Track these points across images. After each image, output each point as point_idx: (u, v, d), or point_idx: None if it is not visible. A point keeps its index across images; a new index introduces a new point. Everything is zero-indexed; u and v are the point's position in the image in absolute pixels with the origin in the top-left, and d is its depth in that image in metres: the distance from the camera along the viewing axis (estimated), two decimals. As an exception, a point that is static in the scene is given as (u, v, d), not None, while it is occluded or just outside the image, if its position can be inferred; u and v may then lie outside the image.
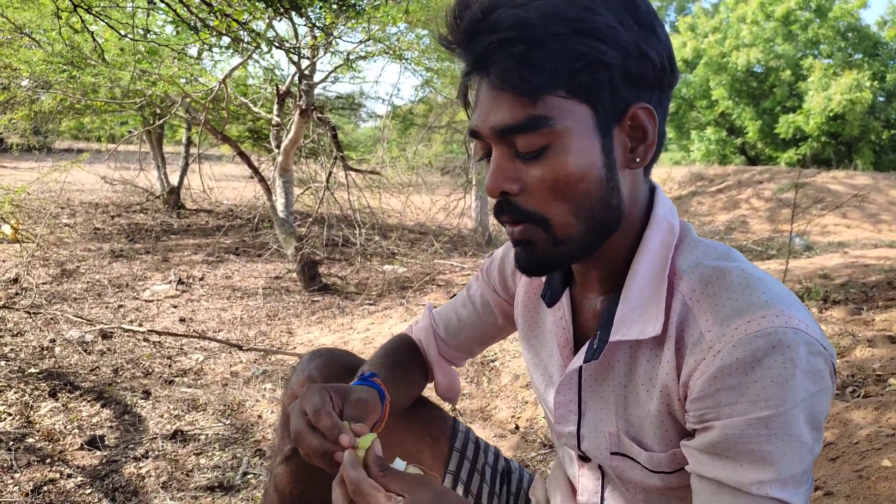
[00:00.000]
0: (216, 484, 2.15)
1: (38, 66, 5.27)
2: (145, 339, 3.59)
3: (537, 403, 2.69)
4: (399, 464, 0.80)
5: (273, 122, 5.57)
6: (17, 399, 2.64)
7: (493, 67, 0.75)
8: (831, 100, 15.52)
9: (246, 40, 4.35)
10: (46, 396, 2.70)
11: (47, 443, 2.33)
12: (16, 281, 4.61)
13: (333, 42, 5.25)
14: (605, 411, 0.90)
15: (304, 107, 4.96)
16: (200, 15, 3.58)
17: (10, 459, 2.17)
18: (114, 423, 2.55)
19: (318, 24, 4.71)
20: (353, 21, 4.80)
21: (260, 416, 2.70)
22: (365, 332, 3.80)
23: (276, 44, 4.79)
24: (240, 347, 3.55)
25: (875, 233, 9.57)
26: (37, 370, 2.97)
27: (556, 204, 0.77)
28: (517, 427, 2.60)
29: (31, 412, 2.55)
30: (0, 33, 4.96)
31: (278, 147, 5.49)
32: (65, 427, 2.46)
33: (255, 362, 3.36)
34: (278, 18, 4.60)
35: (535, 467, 2.27)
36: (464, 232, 8.74)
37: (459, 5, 0.77)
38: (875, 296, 3.68)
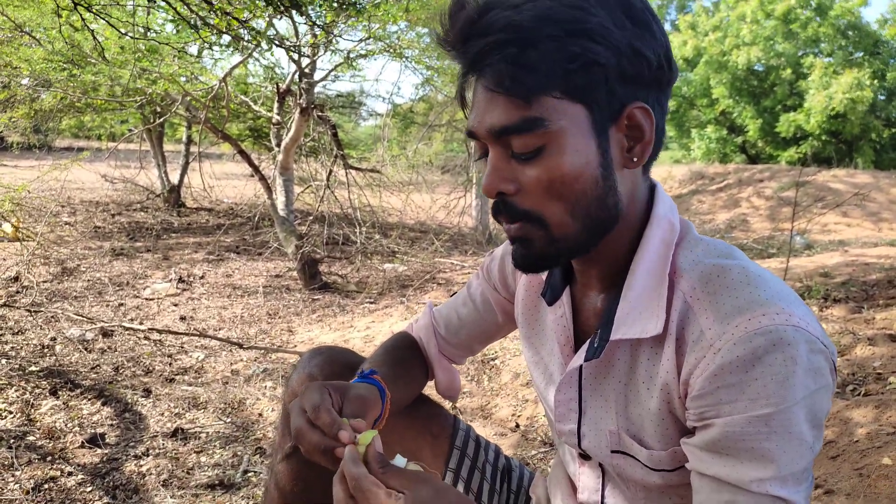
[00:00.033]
0: (217, 482, 2.15)
1: (39, 65, 5.27)
2: (146, 338, 3.60)
3: (538, 402, 2.69)
4: (399, 461, 0.80)
5: (273, 121, 5.57)
6: (18, 397, 2.64)
7: (486, 70, 0.76)
8: (832, 99, 15.50)
9: (246, 38, 4.35)
10: (47, 394, 2.70)
11: (48, 441, 2.33)
12: (16, 279, 4.61)
13: (334, 40, 5.25)
14: (605, 409, 0.90)
15: (304, 105, 4.96)
16: (201, 13, 3.58)
17: (11, 457, 2.17)
18: (114, 421, 2.55)
19: (318, 22, 4.71)
20: (354, 19, 4.80)
21: (260, 414, 2.70)
22: (365, 331, 3.80)
23: (277, 42, 4.79)
24: (240, 346, 3.55)
25: (876, 231, 9.56)
26: (37, 368, 2.97)
27: (552, 203, 0.77)
28: (517, 425, 2.60)
29: (32, 410, 2.55)
30: (0, 31, 4.96)
31: (279, 145, 5.49)
32: (65, 425, 2.46)
33: (255, 360, 3.36)
34: (279, 16, 4.59)
35: (535, 465, 2.27)
36: (464, 230, 8.74)
37: (453, 7, 0.77)
38: (875, 294, 3.68)
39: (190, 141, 8.83)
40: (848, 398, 2.26)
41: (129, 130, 8.58)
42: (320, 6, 4.43)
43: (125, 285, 4.80)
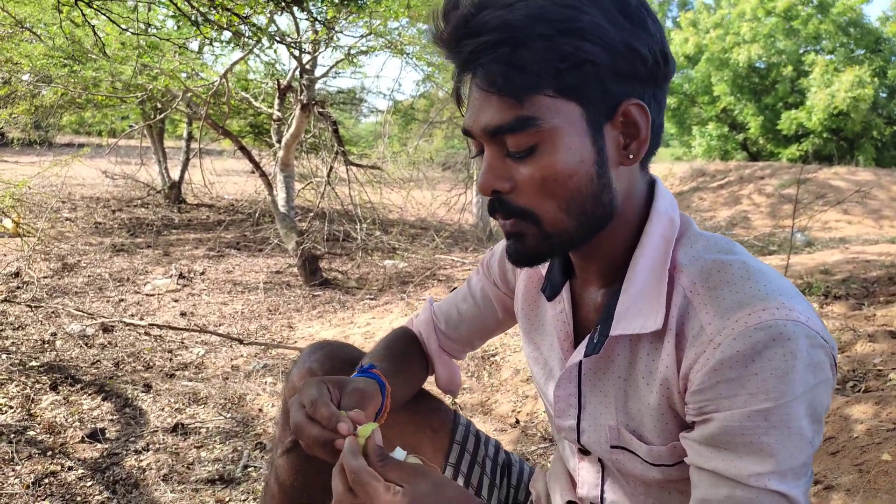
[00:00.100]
0: (217, 477, 2.16)
1: (39, 61, 5.27)
2: (146, 333, 3.60)
3: (537, 398, 2.70)
4: (399, 453, 0.80)
5: (274, 117, 5.56)
6: (19, 392, 2.64)
7: (479, 69, 0.76)
8: (835, 97, 15.48)
9: (247, 35, 4.35)
10: (47, 389, 2.70)
11: (48, 435, 2.34)
12: (17, 275, 4.62)
13: (335, 37, 5.24)
14: (604, 405, 0.90)
15: (305, 101, 4.96)
16: (202, 9, 3.57)
17: (12, 452, 2.18)
18: (115, 417, 2.56)
19: (319, 18, 4.71)
20: (355, 15, 4.79)
21: (261, 410, 2.70)
22: (366, 327, 3.81)
23: (278, 38, 4.79)
24: (241, 341, 3.55)
25: (877, 228, 9.55)
26: (38, 363, 2.98)
27: (545, 201, 0.78)
28: (517, 421, 2.61)
29: (33, 405, 2.56)
30: (1, 27, 4.95)
31: (279, 142, 5.49)
32: (66, 420, 2.47)
33: (255, 356, 3.36)
34: (279, 13, 4.59)
35: (535, 461, 2.28)
36: (465, 227, 8.74)
37: (447, 6, 0.77)
38: (876, 291, 3.68)
39: (190, 137, 8.83)
40: (848, 394, 2.26)
41: (130, 127, 8.59)
42: (322, 2, 4.43)
43: (126, 281, 4.80)
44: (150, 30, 5.01)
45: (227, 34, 4.86)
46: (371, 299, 4.63)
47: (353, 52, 5.48)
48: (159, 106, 7.27)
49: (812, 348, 0.72)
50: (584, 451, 0.98)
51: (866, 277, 4.07)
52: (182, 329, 3.70)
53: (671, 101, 19.49)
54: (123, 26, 4.29)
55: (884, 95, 17.25)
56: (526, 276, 1.06)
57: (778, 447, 0.72)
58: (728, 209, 11.53)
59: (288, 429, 1.10)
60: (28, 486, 2.00)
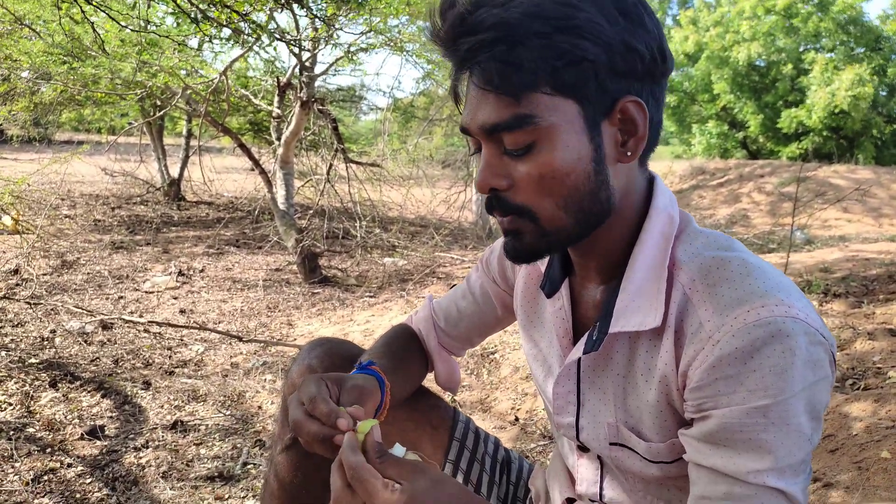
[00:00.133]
0: (216, 474, 2.16)
1: (39, 58, 5.26)
2: (146, 330, 3.60)
3: (537, 395, 2.70)
4: (398, 449, 0.80)
5: (274, 115, 5.56)
6: (18, 389, 2.64)
7: (476, 68, 0.76)
8: (835, 95, 15.47)
9: (247, 32, 4.34)
10: (47, 386, 2.70)
11: (48, 432, 2.34)
12: (16, 272, 4.62)
13: (335, 34, 5.24)
14: (603, 402, 0.90)
15: (304, 99, 4.95)
16: (201, 6, 3.57)
17: (11, 449, 2.18)
18: (114, 414, 2.56)
19: (319, 15, 4.70)
20: (355, 13, 4.79)
21: (260, 407, 2.70)
22: (365, 325, 3.81)
23: (277, 36, 4.78)
24: (240, 339, 3.55)
25: (876, 227, 9.56)
26: (37, 360, 2.98)
27: (543, 198, 0.78)
28: (517, 419, 2.61)
29: (32, 402, 2.56)
30: (0, 24, 4.95)
31: (279, 139, 5.48)
32: (65, 417, 2.47)
33: (255, 353, 3.36)
34: (279, 10, 4.59)
35: (534, 458, 2.28)
36: (464, 225, 8.74)
37: (444, 4, 0.77)
38: (875, 289, 3.68)
39: (190, 134, 8.82)
40: (847, 392, 2.26)
41: (130, 124, 8.59)
42: (321, -1, 4.43)
43: (125, 278, 4.80)
44: (149, 27, 4.99)
45: (226, 31, 4.86)
46: (370, 297, 4.63)
47: (352, 49, 5.47)
48: (159, 103, 7.27)
49: (811, 345, 0.72)
50: (583, 448, 0.98)
51: (866, 275, 4.07)
52: (181, 326, 3.70)
53: (671, 99, 19.48)
54: (123, 23, 4.29)
55: (884, 94, 17.24)
56: (525, 273, 1.06)
57: (776, 444, 0.72)
58: (728, 207, 11.53)
59: (287, 426, 1.10)
60: (27, 483, 2.00)
